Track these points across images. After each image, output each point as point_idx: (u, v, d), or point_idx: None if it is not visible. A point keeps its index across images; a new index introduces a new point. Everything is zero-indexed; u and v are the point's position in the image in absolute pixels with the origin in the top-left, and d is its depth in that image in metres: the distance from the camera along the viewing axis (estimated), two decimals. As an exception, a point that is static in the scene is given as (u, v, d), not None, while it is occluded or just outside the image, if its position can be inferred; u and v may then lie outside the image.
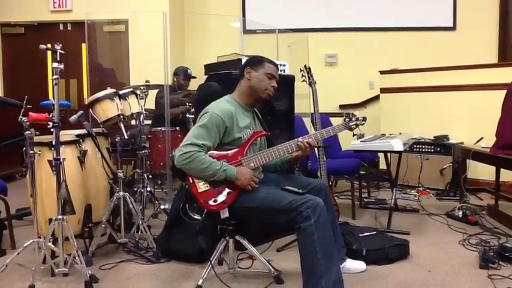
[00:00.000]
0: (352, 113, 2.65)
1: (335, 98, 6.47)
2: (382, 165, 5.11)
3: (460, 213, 3.88)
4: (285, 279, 2.59)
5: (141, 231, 3.22)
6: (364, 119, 2.60)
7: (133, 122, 3.81)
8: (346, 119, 2.60)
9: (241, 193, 2.33)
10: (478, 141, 4.66)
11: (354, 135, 2.66)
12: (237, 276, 2.68)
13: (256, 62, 2.57)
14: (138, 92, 3.72)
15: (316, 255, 2.15)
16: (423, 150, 5.19)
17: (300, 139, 2.48)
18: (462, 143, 4.96)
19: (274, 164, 2.66)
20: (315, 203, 2.20)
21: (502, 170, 4.01)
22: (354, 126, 2.58)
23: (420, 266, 2.85)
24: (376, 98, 6.20)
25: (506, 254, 2.86)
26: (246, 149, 2.43)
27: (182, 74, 5.01)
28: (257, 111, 2.69)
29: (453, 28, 6.50)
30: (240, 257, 2.93)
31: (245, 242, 2.58)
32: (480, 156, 3.96)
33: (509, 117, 3.59)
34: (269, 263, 2.63)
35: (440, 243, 3.29)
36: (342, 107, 6.51)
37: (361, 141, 3.54)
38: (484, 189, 4.66)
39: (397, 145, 3.34)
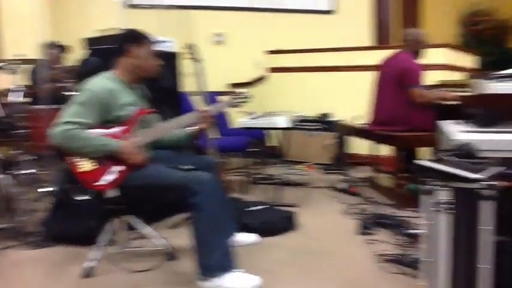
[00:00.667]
0: (237, 91, 2.69)
1: (225, 77, 6.46)
2: (273, 142, 5.29)
3: (343, 186, 4.15)
4: (178, 255, 2.59)
5: (25, 216, 3.01)
6: (249, 96, 2.66)
7: (10, 98, 3.49)
8: (231, 97, 2.64)
9: (130, 171, 2.27)
10: (356, 118, 4.99)
11: (240, 112, 2.71)
12: (129, 256, 2.62)
13: (138, 38, 2.47)
14: (10, 66, 3.41)
15: (207, 230, 2.19)
16: (309, 127, 5.43)
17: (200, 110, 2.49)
18: (344, 120, 5.28)
19: (170, 140, 2.61)
20: (205, 179, 2.22)
21: (379, 144, 4.35)
22: (239, 103, 2.63)
23: (308, 236, 3.03)
24: (265, 77, 6.34)
25: (381, 221, 3.13)
26: (132, 126, 2.36)
27: (56, 49, 4.69)
28: (142, 88, 2.61)
29: (333, 11, 6.81)
30: (132, 236, 2.85)
31: (136, 221, 2.53)
32: (360, 132, 4.27)
33: (380, 96, 3.90)
34: (161, 241, 2.60)
35: (325, 214, 3.51)
36: (232, 85, 6.55)
37: (248, 119, 3.61)
38: (364, 162, 5.03)
39: (282, 122, 3.47)
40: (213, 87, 4.88)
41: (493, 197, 1.73)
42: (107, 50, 3.19)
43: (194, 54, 3.39)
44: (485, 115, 2.55)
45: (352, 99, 5.36)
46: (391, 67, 3.83)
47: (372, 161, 4.58)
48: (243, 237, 2.81)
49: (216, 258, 2.18)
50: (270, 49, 6.09)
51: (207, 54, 3.63)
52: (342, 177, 4.36)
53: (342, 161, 4.85)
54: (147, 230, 2.59)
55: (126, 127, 2.34)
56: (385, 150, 4.37)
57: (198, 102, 4.48)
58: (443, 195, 1.80)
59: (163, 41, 4.06)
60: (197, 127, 2.55)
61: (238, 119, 3.69)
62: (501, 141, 2.18)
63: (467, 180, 1.75)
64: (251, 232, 2.89)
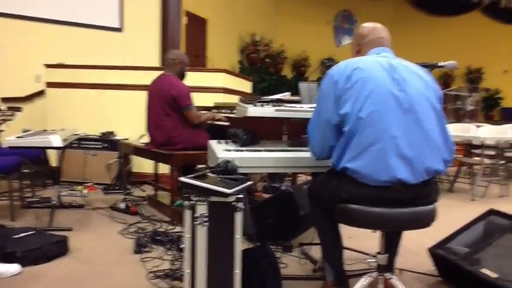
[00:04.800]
0: (2, 107, 2.49)
1: (-5, 90, 5.86)
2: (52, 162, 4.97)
3: (123, 205, 4.11)
4: None
5: None
6: (12, 114, 2.48)
7: None
8: (-6, 113, 2.43)
9: None
10: (140, 138, 5.04)
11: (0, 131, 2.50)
12: None
13: None
14: None
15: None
16: (91, 146, 5.25)
17: None
18: (127, 139, 5.26)
19: None
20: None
21: (160, 163, 4.44)
22: (1, 121, 2.43)
23: (79, 260, 2.91)
24: (44, 92, 5.93)
25: (157, 238, 3.20)
26: None
27: None
28: None
29: (120, 29, 6.81)
30: None
31: None
32: (140, 151, 4.31)
33: (154, 119, 3.97)
34: None
35: (101, 235, 3.42)
36: (4, 100, 5.93)
37: (17, 137, 3.32)
38: (146, 181, 5.08)
39: (56, 141, 3.28)
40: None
41: (241, 208, 1.93)
42: None
43: None
44: (244, 135, 2.83)
45: (136, 118, 5.38)
46: (160, 90, 3.90)
47: (153, 180, 4.66)
48: (4, 268, 2.58)
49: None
50: (49, 62, 5.72)
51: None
52: (122, 196, 4.32)
53: (124, 180, 4.82)
54: None
55: None
56: (167, 168, 4.49)
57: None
58: (201, 209, 1.95)
59: None
60: None
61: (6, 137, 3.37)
62: (257, 159, 2.43)
63: (221, 195, 1.92)
64: (14, 262, 2.66)
